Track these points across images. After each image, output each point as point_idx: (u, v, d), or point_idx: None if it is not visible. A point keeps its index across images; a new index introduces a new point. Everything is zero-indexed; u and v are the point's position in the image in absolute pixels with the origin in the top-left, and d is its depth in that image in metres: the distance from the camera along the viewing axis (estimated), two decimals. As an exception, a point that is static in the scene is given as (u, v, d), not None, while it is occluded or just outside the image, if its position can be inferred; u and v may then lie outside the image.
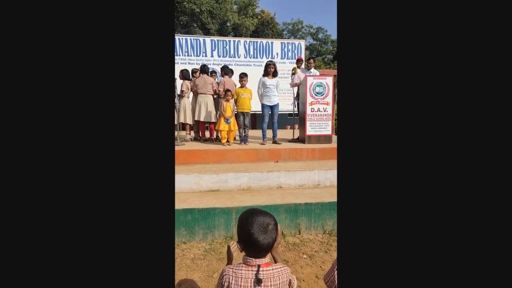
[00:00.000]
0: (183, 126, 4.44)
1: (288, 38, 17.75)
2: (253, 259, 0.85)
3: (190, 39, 7.10)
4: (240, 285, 0.83)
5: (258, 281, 0.81)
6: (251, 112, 4.24)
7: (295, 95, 4.59)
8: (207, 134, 4.66)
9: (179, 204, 2.46)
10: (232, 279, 0.84)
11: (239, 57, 7.22)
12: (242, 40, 7.42)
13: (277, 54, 7.34)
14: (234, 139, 4.18)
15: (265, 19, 15.79)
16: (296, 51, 7.41)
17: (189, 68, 4.75)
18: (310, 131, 4.05)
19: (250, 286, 0.82)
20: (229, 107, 3.91)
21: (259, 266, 0.84)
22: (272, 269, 0.85)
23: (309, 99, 3.99)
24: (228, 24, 14.56)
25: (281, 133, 4.69)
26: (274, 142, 4.09)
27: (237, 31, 14.47)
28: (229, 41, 7.27)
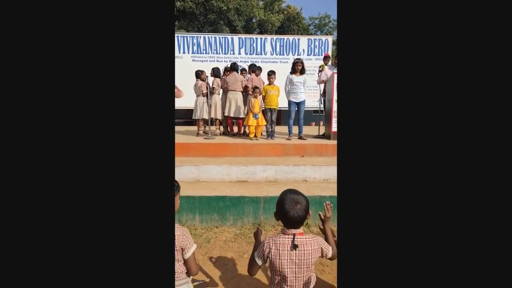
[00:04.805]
0: (214, 121, 4.70)
1: (314, 33, 17.43)
2: (289, 229, 1.03)
3: (219, 37, 7.36)
4: (279, 250, 1.01)
5: (294, 246, 0.99)
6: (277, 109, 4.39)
7: (321, 92, 4.65)
8: (235, 129, 4.90)
9: (211, 192, 2.71)
10: (272, 245, 1.02)
11: (265, 54, 7.34)
12: (268, 37, 7.55)
13: (303, 50, 7.36)
14: (261, 134, 4.36)
15: (291, 14, 15.68)
16: (323, 47, 7.37)
17: (221, 66, 5.00)
18: (336, 127, 4.11)
19: (287, 250, 1.00)
20: (257, 103, 4.09)
21: (294, 234, 1.01)
22: (305, 238, 1.02)
23: (336, 96, 4.04)
24: (254, 20, 14.69)
25: (306, 130, 4.78)
26: (300, 137, 4.20)
27: (262, 27, 14.55)
28: (256, 38, 7.43)
